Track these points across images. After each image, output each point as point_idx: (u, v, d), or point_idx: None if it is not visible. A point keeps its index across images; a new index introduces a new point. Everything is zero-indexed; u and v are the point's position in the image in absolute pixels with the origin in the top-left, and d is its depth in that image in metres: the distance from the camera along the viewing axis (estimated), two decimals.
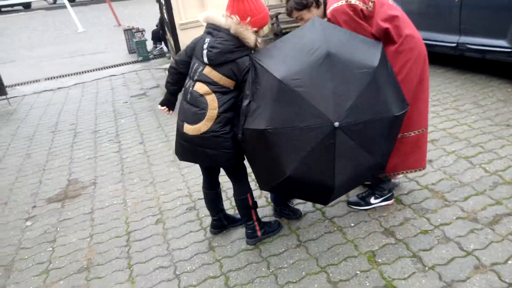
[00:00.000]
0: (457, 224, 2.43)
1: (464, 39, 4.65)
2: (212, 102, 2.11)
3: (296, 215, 2.72)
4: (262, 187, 2.29)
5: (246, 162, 2.32)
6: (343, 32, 2.09)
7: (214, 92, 2.11)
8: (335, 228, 2.56)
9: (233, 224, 2.71)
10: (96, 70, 8.13)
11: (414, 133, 2.42)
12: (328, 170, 1.95)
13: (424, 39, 5.41)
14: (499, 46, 4.26)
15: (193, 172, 3.49)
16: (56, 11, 19.46)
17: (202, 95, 2.12)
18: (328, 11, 2.29)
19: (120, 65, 8.32)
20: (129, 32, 8.96)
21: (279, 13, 7.44)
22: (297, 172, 1.95)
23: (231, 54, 2.05)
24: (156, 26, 8.65)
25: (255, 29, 2.08)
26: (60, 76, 7.97)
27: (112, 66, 8.27)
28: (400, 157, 2.46)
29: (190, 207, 3.02)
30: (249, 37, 2.04)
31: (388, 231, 2.47)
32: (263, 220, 2.62)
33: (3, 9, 22.18)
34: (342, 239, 2.46)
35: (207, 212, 2.88)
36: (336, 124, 1.82)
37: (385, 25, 2.22)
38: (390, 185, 2.71)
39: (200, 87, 2.13)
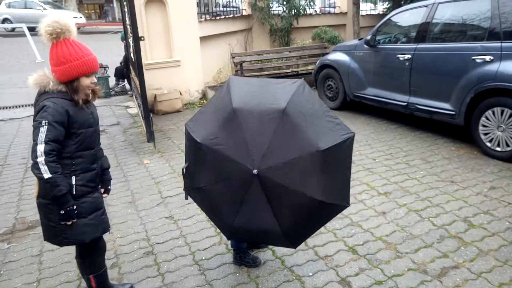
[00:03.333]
0: (408, 276, 2.55)
1: (413, 99, 5.07)
2: None
3: (256, 263, 2.72)
4: (226, 236, 2.38)
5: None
6: (255, 84, 2.20)
7: None
8: (294, 277, 2.60)
9: None
10: None
11: None
12: (268, 217, 2.03)
13: (378, 97, 5.84)
14: (444, 108, 4.68)
15: (151, 215, 3.43)
16: (13, 39, 18.85)
17: None
18: None
19: None
20: None
21: (244, 61, 7.73)
22: (239, 222, 2.08)
23: (35, 106, 2.03)
24: (120, 63, 8.68)
25: (55, 80, 2.00)
26: (13, 107, 7.67)
27: None
28: None
29: (148, 251, 2.94)
30: (40, 82, 2.00)
31: (345, 281, 2.54)
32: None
33: None
34: None
35: (166, 257, 2.84)
36: (255, 171, 1.92)
37: None
38: None
39: None
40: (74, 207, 2.02)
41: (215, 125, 2.05)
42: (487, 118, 4.28)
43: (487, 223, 3.08)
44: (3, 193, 4.01)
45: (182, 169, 2.23)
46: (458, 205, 3.36)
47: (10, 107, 7.62)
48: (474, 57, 4.30)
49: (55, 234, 2.08)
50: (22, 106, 7.70)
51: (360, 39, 6.29)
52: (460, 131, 4.87)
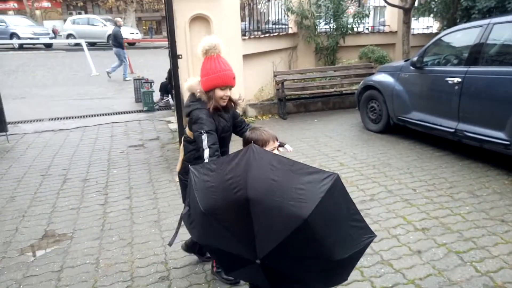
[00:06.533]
0: None
1: (462, 126, 4.68)
2: (181, 150, 2.66)
3: None
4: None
5: None
6: (279, 169, 1.80)
7: (184, 141, 2.62)
8: None
9: None
10: (100, 115, 8.23)
11: None
12: (262, 281, 1.93)
13: (424, 121, 5.47)
14: (497, 137, 4.26)
15: None
16: (75, 53, 20.18)
17: (182, 142, 2.68)
18: None
19: (124, 112, 8.44)
20: (138, 82, 9.21)
21: (285, 80, 7.64)
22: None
23: (187, 108, 2.49)
24: (166, 79, 8.91)
25: (201, 89, 2.45)
26: (64, 118, 8.07)
27: (116, 113, 8.38)
28: None
29: (164, 276, 2.85)
30: (193, 89, 2.48)
31: None
32: None
33: (25, 46, 23.10)
34: None
35: (180, 284, 2.74)
36: (258, 261, 1.77)
37: None
38: None
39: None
40: None
41: (224, 200, 1.82)
42: None
43: None
44: (38, 203, 4.14)
45: (181, 214, 2.09)
46: (508, 249, 2.98)
47: (61, 118, 8.02)
48: None
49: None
50: (72, 117, 8.07)
51: (406, 60, 5.98)
52: None
